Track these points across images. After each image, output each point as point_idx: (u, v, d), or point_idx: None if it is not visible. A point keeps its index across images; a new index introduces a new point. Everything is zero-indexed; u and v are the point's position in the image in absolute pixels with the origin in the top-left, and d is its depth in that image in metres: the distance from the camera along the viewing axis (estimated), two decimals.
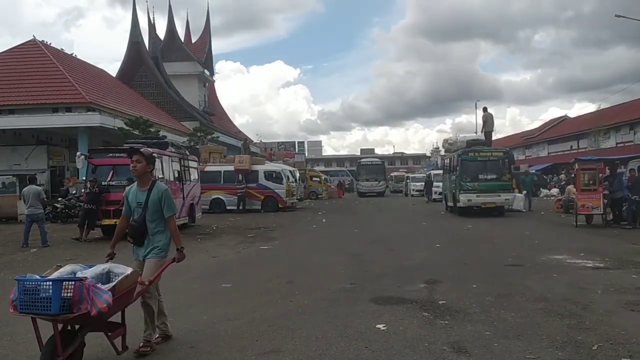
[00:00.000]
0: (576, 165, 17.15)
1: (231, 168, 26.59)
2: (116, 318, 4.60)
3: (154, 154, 5.23)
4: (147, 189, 5.04)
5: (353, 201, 37.77)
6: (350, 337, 5.21)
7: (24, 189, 13.92)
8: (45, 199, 14.40)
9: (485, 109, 23.91)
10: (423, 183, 37.77)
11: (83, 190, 16.59)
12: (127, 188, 5.30)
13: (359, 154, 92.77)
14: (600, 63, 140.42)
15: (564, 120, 61.83)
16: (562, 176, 40.15)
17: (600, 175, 15.99)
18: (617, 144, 43.53)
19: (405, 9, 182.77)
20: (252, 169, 26.36)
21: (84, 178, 16.57)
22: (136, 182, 5.16)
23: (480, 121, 25.55)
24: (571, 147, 51.64)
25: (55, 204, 21.05)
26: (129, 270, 4.59)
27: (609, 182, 15.78)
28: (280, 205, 25.83)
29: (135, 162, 5.02)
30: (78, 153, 16.16)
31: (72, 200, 20.88)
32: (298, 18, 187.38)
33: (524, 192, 23.61)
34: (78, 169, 18.51)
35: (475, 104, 59.76)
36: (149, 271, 4.97)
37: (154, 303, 5.05)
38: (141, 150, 5.16)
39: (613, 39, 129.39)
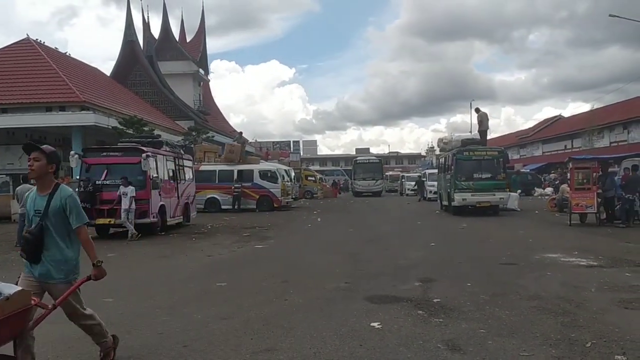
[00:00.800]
0: (570, 165, 17.20)
1: (226, 167, 26.59)
2: (8, 350, 3.69)
3: (56, 151, 4.28)
4: (47, 194, 4.11)
5: (348, 200, 37.81)
6: (345, 336, 5.20)
7: (17, 188, 13.86)
8: None
9: (477, 110, 24.03)
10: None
11: (76, 190, 16.52)
12: (27, 193, 4.45)
13: (354, 153, 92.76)
14: (595, 63, 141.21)
15: (558, 119, 62.09)
16: (552, 175, 40.42)
17: (594, 174, 16.04)
18: (610, 143, 43.74)
19: (400, 9, 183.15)
20: (244, 163, 26.54)
21: (78, 177, 16.51)
22: (36, 186, 4.31)
23: (474, 121, 25.67)
24: (565, 146, 51.85)
25: None
26: (14, 290, 3.52)
27: (601, 182, 15.85)
28: (275, 205, 25.81)
29: (33, 161, 4.08)
30: (72, 152, 16.07)
31: None
32: (293, 18, 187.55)
33: (518, 191, 23.73)
34: (72, 168, 18.44)
35: (470, 104, 60.31)
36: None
37: (91, 320, 4.42)
38: (41, 146, 4.17)
39: (607, 39, 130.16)
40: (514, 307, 6.17)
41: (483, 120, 23.35)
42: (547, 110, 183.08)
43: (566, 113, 74.10)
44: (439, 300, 6.60)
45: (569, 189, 17.30)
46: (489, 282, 7.70)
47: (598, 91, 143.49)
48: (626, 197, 15.21)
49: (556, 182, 33.97)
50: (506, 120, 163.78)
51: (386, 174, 56.01)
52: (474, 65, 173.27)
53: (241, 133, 34.21)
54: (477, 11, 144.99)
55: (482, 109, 24.22)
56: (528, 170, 44.04)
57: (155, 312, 6.39)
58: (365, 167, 44.58)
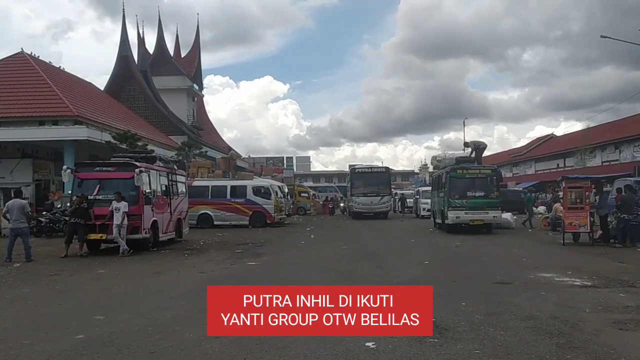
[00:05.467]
0: (563, 184, 17.26)
1: (219, 183, 26.64)
2: None
3: None
4: None
5: (341, 217, 37.67)
6: (339, 356, 5.15)
7: (7, 203, 13.71)
8: (30, 213, 14.20)
9: (467, 144, 24.37)
10: (412, 200, 38.50)
11: (68, 205, 16.39)
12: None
13: (347, 169, 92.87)
14: (588, 82, 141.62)
15: (550, 138, 62.60)
16: (528, 193, 40.64)
17: (587, 193, 16.08)
18: (602, 162, 44.05)
19: (395, 27, 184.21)
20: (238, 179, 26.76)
21: (69, 192, 16.37)
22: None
23: (469, 139, 25.91)
24: (558, 165, 52.18)
25: (40, 218, 20.78)
26: None
27: (602, 200, 15.90)
28: (268, 221, 25.73)
29: None
30: (64, 167, 15.96)
31: (56, 215, 20.63)
32: (288, 34, 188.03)
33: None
34: (64, 182, 18.33)
35: (464, 122, 60.76)
36: None
37: None
38: None
39: (601, 59, 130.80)
40: (509, 328, 6.14)
41: (475, 144, 23.65)
42: (539, 129, 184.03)
43: (558, 132, 74.64)
44: (433, 319, 6.53)
45: (562, 208, 17.34)
46: (483, 302, 7.66)
47: (590, 110, 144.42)
48: (622, 217, 15.24)
49: (547, 200, 34.14)
50: (499, 139, 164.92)
51: None
52: (467, 83, 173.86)
53: (230, 149, 34.20)
54: (472, 30, 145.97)
55: (473, 128, 24.62)
56: (521, 189, 44.19)
57: (148, 330, 6.30)
58: (367, 177, 33.80)
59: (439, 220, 22.79)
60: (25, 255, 13.06)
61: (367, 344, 5.50)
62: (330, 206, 43.71)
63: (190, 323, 6.60)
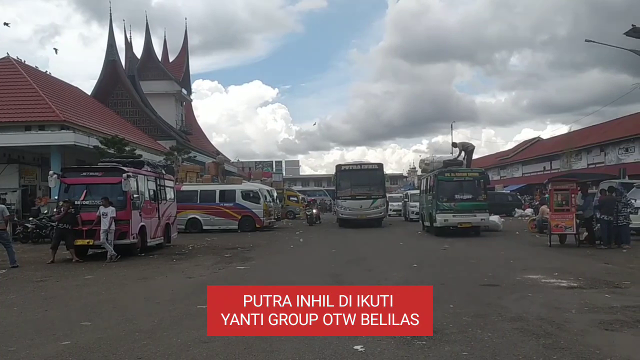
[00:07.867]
0: (549, 186, 17.40)
1: (208, 187, 26.58)
2: None
3: None
4: None
5: (329, 221, 37.65)
6: (327, 359, 5.14)
7: None
8: (9, 216, 13.97)
9: (455, 144, 24.51)
10: (400, 203, 38.70)
11: (55, 210, 16.25)
12: None
13: None
14: (574, 85, 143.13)
15: (537, 141, 63.12)
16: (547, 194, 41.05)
17: (573, 196, 16.21)
18: (588, 165, 44.49)
19: (383, 31, 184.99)
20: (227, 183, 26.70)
21: (56, 197, 16.23)
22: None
23: (456, 140, 26.03)
24: (544, 168, 52.60)
25: (26, 224, 20.59)
26: None
27: (587, 202, 16.05)
28: (257, 225, 25.68)
29: None
30: (51, 172, 15.84)
31: (43, 220, 20.45)
32: (277, 39, 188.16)
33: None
34: (50, 188, 18.18)
35: (452, 125, 60.95)
36: None
37: None
38: None
39: (587, 62, 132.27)
40: (496, 329, 6.18)
41: (463, 145, 23.81)
42: (526, 132, 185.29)
43: (545, 135, 75.27)
44: None
45: (548, 210, 17.48)
46: (471, 304, 7.70)
47: (576, 113, 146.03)
48: (601, 218, 15.40)
49: (535, 203, 34.47)
50: (487, 142, 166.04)
51: None
52: (455, 87, 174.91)
53: (218, 153, 34.13)
54: (460, 34, 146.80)
55: (461, 132, 24.77)
56: (508, 192, 44.57)
57: (135, 335, 6.26)
58: (356, 176, 28.17)
59: (427, 223, 22.88)
60: (10, 261, 12.92)
61: (355, 347, 5.52)
62: (308, 214, 32.95)
63: (178, 328, 6.57)
